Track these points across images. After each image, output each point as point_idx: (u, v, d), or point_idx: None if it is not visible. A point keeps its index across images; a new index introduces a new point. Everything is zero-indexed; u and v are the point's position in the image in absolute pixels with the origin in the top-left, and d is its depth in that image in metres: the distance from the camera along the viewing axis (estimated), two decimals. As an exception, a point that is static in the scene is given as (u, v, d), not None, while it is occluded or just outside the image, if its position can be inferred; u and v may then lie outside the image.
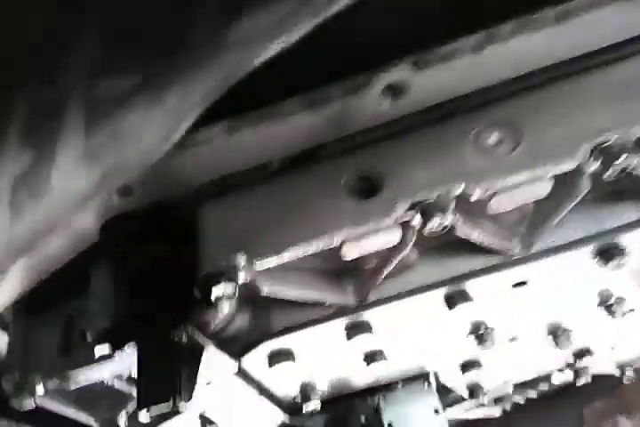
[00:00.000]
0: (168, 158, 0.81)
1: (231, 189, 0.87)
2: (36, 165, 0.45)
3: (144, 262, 0.88)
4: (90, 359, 0.94)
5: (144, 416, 0.75)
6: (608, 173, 0.78)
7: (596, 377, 2.30)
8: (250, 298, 1.00)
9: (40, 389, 0.99)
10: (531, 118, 0.81)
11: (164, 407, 0.73)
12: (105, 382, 1.04)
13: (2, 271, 0.73)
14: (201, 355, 0.84)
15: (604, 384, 2.37)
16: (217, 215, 0.86)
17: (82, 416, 1.19)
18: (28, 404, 0.98)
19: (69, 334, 1.00)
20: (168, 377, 0.77)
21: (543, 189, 0.79)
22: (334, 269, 0.98)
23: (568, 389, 2.26)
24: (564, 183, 0.84)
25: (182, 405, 0.74)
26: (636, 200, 0.96)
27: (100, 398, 1.20)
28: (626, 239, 0.94)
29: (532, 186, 0.77)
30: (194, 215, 0.87)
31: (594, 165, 0.78)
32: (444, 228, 0.79)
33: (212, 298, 0.81)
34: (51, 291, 1.03)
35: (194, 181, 0.86)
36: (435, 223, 0.77)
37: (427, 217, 0.77)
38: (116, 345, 0.82)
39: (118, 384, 1.06)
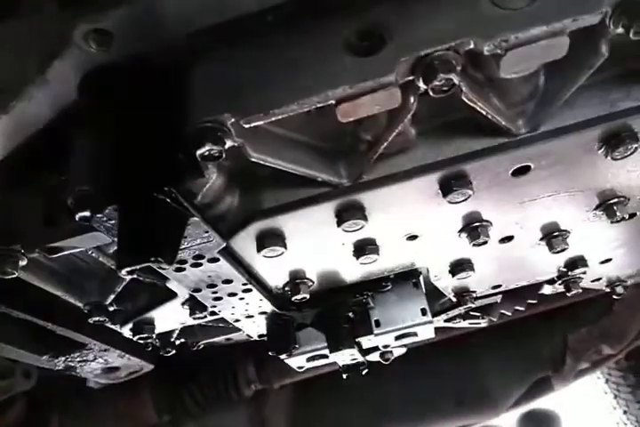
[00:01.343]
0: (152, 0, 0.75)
1: (221, 42, 0.80)
2: None
3: (126, 124, 0.83)
4: (72, 229, 0.91)
5: (124, 274, 0.72)
6: (632, 33, 0.71)
7: (584, 304, 2.34)
8: (240, 176, 0.97)
9: (23, 259, 0.97)
10: (554, -30, 0.73)
11: (144, 265, 0.71)
12: (88, 258, 1.02)
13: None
14: (185, 221, 0.81)
15: (590, 312, 2.43)
16: (205, 70, 0.80)
17: (70, 298, 1.18)
18: (10, 275, 0.97)
19: (52, 206, 0.97)
20: (149, 236, 0.74)
21: (560, 47, 0.72)
22: (328, 145, 0.93)
23: (554, 313, 2.31)
24: (579, 50, 0.78)
25: (163, 264, 0.72)
26: (655, 81, 0.90)
27: (89, 281, 1.19)
28: (638, 122, 0.89)
29: (549, 42, 0.71)
30: (180, 70, 0.81)
31: (616, 25, 0.72)
32: (451, 87, 0.73)
33: (197, 158, 0.77)
34: (33, 162, 0.99)
35: (179, 29, 0.79)
36: (441, 81, 0.71)
37: (432, 73, 0.71)
38: (98, 208, 0.79)
39: (103, 259, 1.05)
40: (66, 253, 0.95)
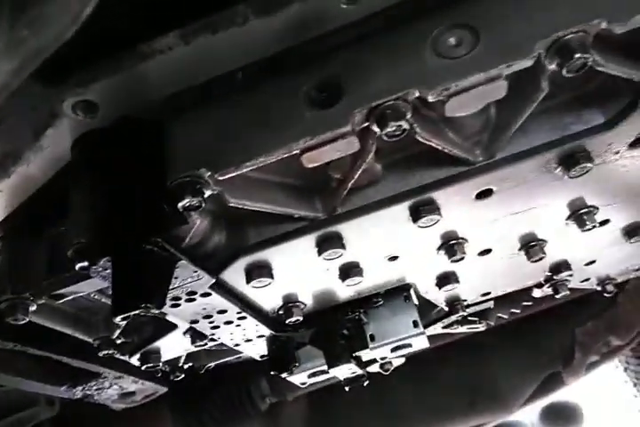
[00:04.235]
0: (131, 71, 0.83)
1: (195, 102, 0.88)
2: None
3: (114, 180, 0.91)
4: (73, 276, 0.99)
5: (119, 321, 0.80)
6: (565, 71, 0.77)
7: (586, 299, 2.38)
8: (225, 216, 1.04)
9: (33, 306, 1.05)
10: (488, 18, 0.80)
11: (135, 313, 0.78)
12: (93, 298, 1.10)
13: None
14: (173, 265, 0.89)
15: (595, 305, 2.46)
16: (181, 128, 0.87)
17: (79, 334, 1.26)
18: (22, 320, 1.05)
19: (55, 255, 1.05)
20: (139, 285, 0.81)
21: (499, 90, 0.78)
22: (302, 184, 1.01)
23: (559, 309, 2.35)
24: (523, 85, 0.84)
25: (153, 311, 0.79)
26: (601, 104, 0.95)
27: (95, 318, 1.27)
28: (591, 143, 0.95)
29: (487, 87, 0.77)
30: (160, 128, 0.88)
31: (551, 64, 0.78)
32: (403, 132, 0.80)
33: (180, 210, 0.84)
34: (36, 216, 1.07)
35: (157, 93, 0.87)
36: (393, 128, 0.78)
37: (384, 122, 0.78)
38: (93, 259, 0.86)
39: (105, 300, 1.13)
40: (70, 298, 1.03)
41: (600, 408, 5.12)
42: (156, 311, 0.78)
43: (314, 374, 1.45)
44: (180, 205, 0.83)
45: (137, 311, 0.77)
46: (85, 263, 0.89)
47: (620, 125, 0.92)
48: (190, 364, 1.58)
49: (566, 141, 0.94)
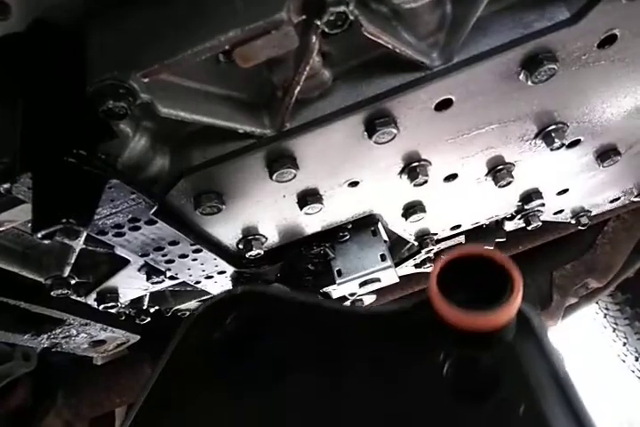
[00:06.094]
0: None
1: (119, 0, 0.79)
2: None
3: (35, 91, 0.82)
4: (4, 203, 0.92)
5: (39, 238, 0.73)
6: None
7: (564, 241, 2.36)
8: (167, 136, 0.97)
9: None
10: None
11: (56, 227, 0.72)
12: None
13: None
14: (102, 183, 0.82)
15: (573, 248, 2.45)
16: (103, 29, 0.78)
17: (28, 273, 1.20)
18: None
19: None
20: (61, 200, 0.74)
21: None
22: (247, 97, 0.92)
23: (537, 252, 2.33)
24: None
25: (76, 226, 0.72)
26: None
27: (45, 255, 1.21)
28: (555, 41, 0.87)
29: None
30: (80, 32, 0.79)
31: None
32: (345, 22, 0.71)
33: (103, 118, 0.76)
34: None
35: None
36: (333, 15, 0.70)
37: (323, 8, 0.70)
38: (13, 178, 0.79)
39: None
40: (4, 228, 0.96)
41: (581, 354, 5.26)
42: (80, 229, 0.72)
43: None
44: (100, 110, 0.75)
45: (58, 227, 0.70)
46: (8, 184, 0.81)
47: (585, 19, 0.84)
48: (156, 307, 1.53)
49: (529, 39, 0.87)
